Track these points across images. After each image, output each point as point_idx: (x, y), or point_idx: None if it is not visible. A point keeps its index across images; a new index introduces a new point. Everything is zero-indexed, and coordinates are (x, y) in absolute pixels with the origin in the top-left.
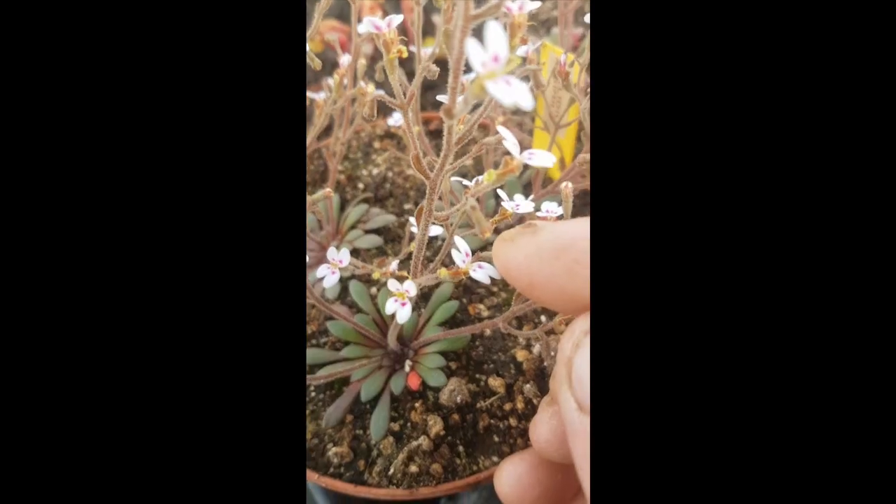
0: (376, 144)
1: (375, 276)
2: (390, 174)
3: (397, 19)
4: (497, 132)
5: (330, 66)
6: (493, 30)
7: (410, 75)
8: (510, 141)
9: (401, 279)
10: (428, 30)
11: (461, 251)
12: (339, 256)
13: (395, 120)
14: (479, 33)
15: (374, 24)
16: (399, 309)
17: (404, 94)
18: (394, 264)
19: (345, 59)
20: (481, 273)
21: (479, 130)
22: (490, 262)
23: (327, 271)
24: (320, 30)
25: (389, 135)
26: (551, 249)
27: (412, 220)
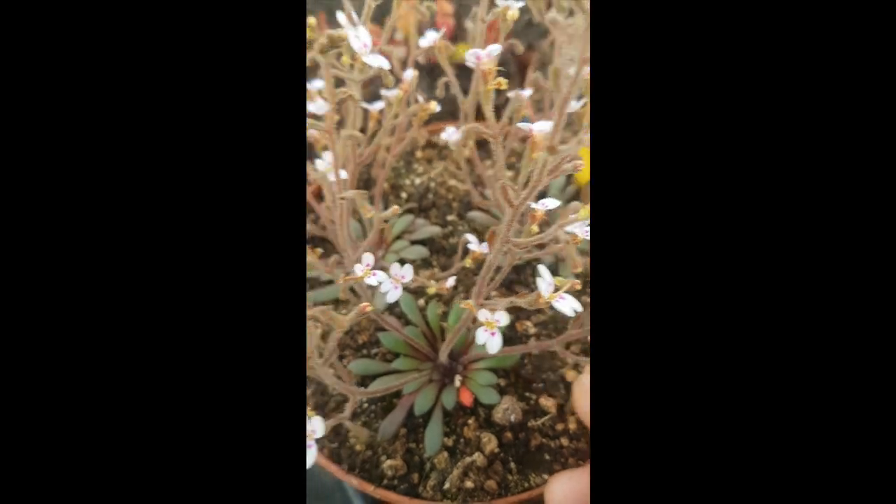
0: (419, 154)
1: (431, 290)
2: (433, 184)
3: (496, 49)
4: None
5: None
6: None
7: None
8: None
9: (493, 309)
10: (458, 35)
11: (546, 280)
12: (402, 272)
13: (449, 134)
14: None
15: (475, 54)
16: (489, 339)
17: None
18: (451, 280)
19: (408, 74)
20: (564, 304)
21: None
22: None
23: (390, 286)
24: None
25: (431, 145)
26: None
27: (470, 237)
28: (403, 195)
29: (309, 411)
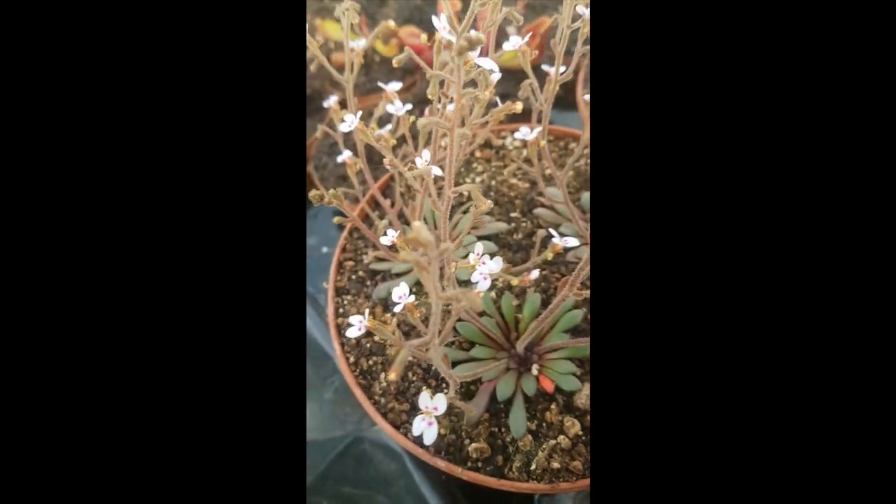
0: (477, 154)
1: (514, 283)
2: (493, 183)
3: None
4: None
5: (402, 73)
6: None
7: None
8: None
9: None
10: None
11: None
12: (492, 266)
13: (523, 133)
14: None
15: None
16: None
17: None
18: (535, 273)
19: (495, 77)
20: None
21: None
22: None
23: (480, 277)
24: (400, 35)
25: (488, 144)
26: None
27: (552, 231)
28: (465, 193)
29: (426, 390)
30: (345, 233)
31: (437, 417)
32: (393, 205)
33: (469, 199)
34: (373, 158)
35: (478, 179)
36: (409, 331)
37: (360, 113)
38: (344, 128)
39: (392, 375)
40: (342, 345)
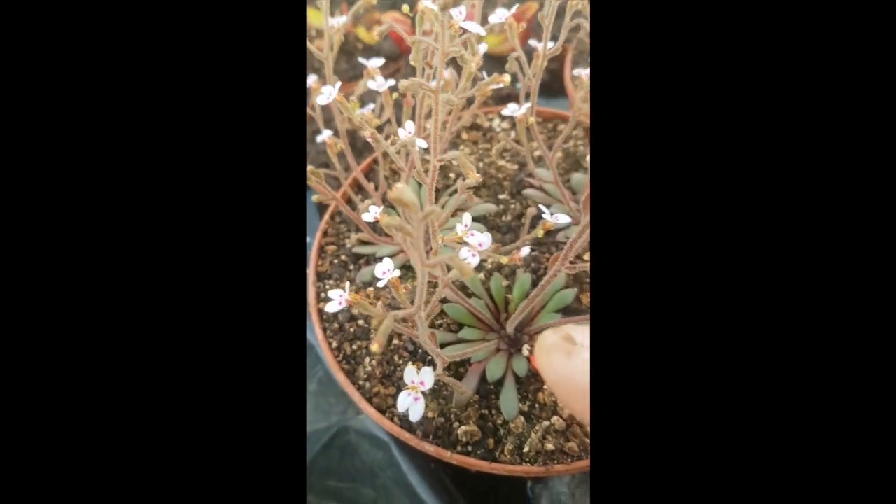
0: (464, 136)
1: (504, 261)
2: (481, 164)
3: None
4: None
5: (385, 60)
6: None
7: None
8: None
9: None
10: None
11: None
12: (480, 239)
13: (511, 110)
14: None
15: None
16: None
17: None
18: (525, 250)
19: (482, 47)
20: None
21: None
22: None
23: (468, 254)
24: (382, 21)
25: (475, 126)
26: None
27: (543, 207)
28: (451, 175)
29: (411, 365)
30: (326, 216)
31: (424, 395)
32: (377, 188)
33: (455, 181)
34: (356, 145)
35: None
36: None
37: (338, 84)
38: (321, 100)
39: (374, 347)
40: (324, 330)
